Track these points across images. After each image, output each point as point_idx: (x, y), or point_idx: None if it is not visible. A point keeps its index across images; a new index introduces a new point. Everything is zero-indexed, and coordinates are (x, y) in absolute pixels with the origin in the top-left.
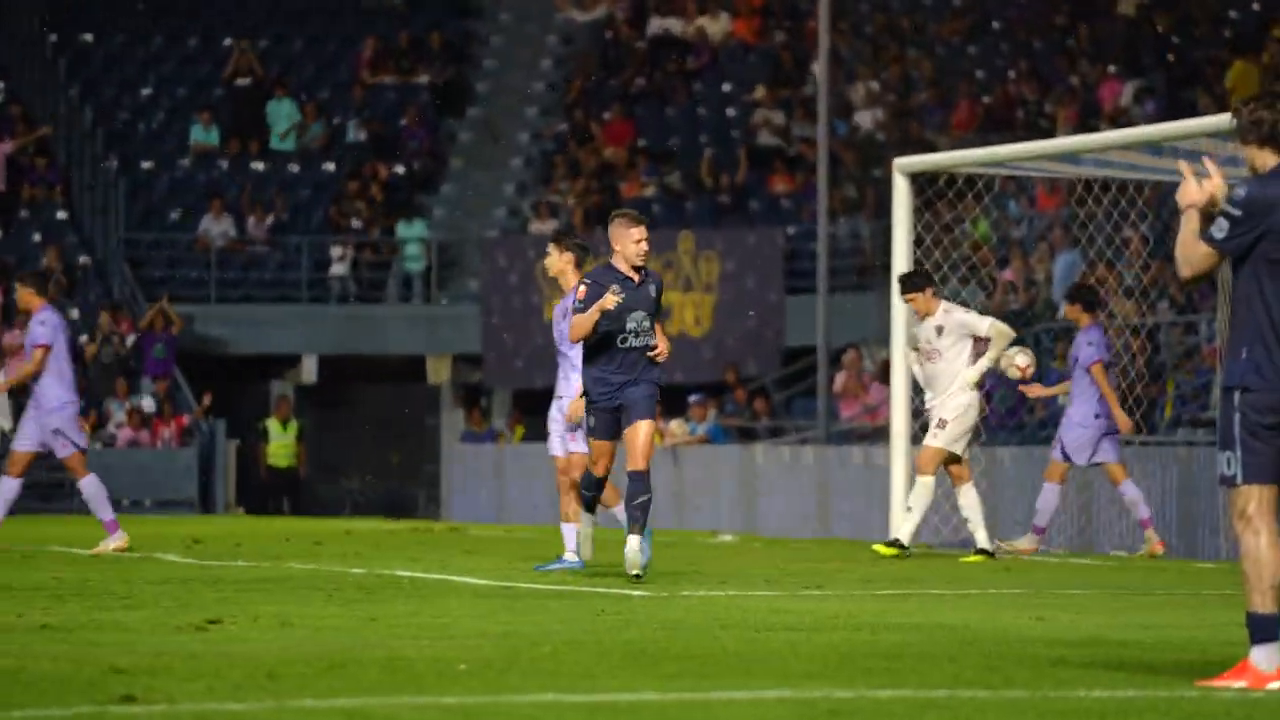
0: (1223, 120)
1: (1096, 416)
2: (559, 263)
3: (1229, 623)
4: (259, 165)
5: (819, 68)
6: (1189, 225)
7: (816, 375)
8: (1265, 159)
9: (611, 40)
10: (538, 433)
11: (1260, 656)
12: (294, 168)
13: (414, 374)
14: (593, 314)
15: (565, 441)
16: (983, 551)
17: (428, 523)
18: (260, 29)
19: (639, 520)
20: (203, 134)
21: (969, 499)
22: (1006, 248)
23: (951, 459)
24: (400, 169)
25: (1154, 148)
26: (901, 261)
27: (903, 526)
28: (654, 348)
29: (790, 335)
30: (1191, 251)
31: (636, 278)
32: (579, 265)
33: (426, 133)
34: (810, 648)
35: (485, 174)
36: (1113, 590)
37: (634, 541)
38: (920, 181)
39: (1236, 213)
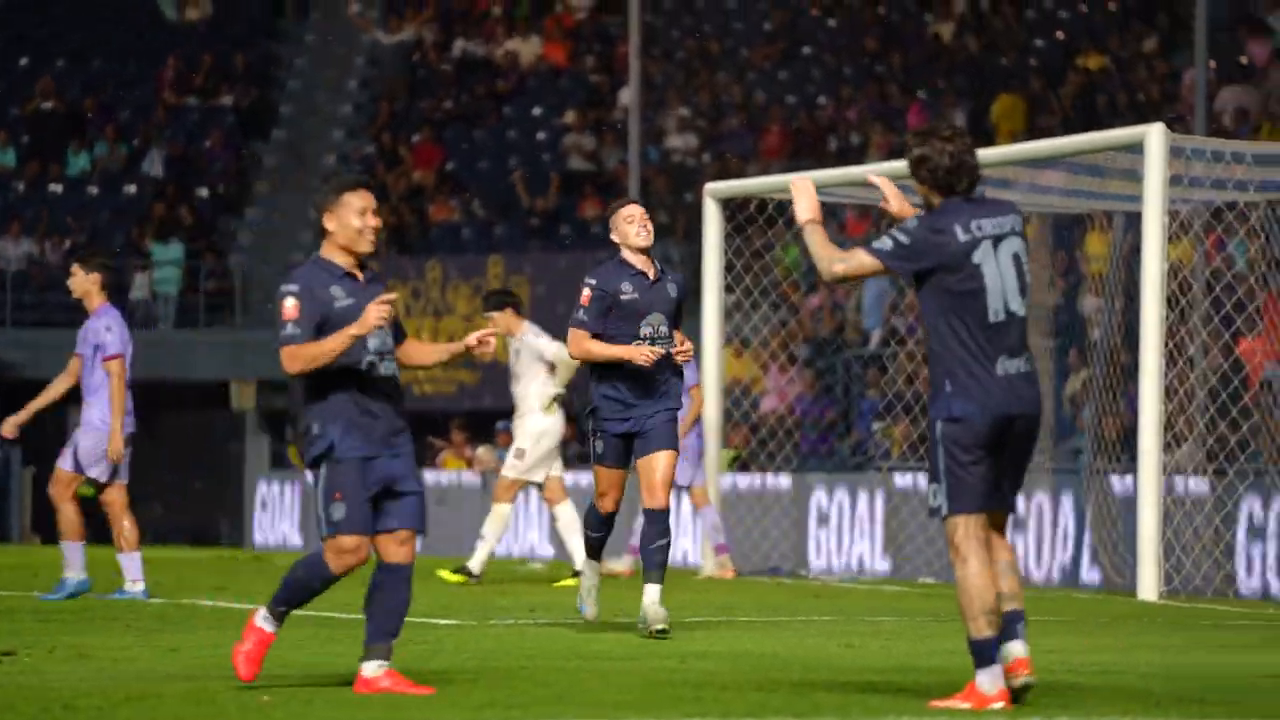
0: (1029, 147)
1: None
2: (84, 283)
3: (1032, 648)
4: (57, 188)
5: (630, 92)
6: (814, 237)
7: None
8: (932, 196)
9: (419, 63)
10: None
11: (984, 680)
12: (94, 190)
13: (218, 400)
14: (614, 353)
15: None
16: (578, 573)
17: (232, 551)
18: (58, 48)
19: (658, 567)
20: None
21: (565, 517)
22: (816, 274)
23: (545, 484)
24: (204, 192)
25: None
26: (712, 287)
27: (476, 554)
28: (674, 357)
29: None
30: (830, 253)
31: (651, 273)
32: (104, 286)
33: (231, 155)
34: (620, 676)
35: (291, 197)
36: (922, 618)
37: (653, 592)
38: (731, 207)
39: (904, 239)
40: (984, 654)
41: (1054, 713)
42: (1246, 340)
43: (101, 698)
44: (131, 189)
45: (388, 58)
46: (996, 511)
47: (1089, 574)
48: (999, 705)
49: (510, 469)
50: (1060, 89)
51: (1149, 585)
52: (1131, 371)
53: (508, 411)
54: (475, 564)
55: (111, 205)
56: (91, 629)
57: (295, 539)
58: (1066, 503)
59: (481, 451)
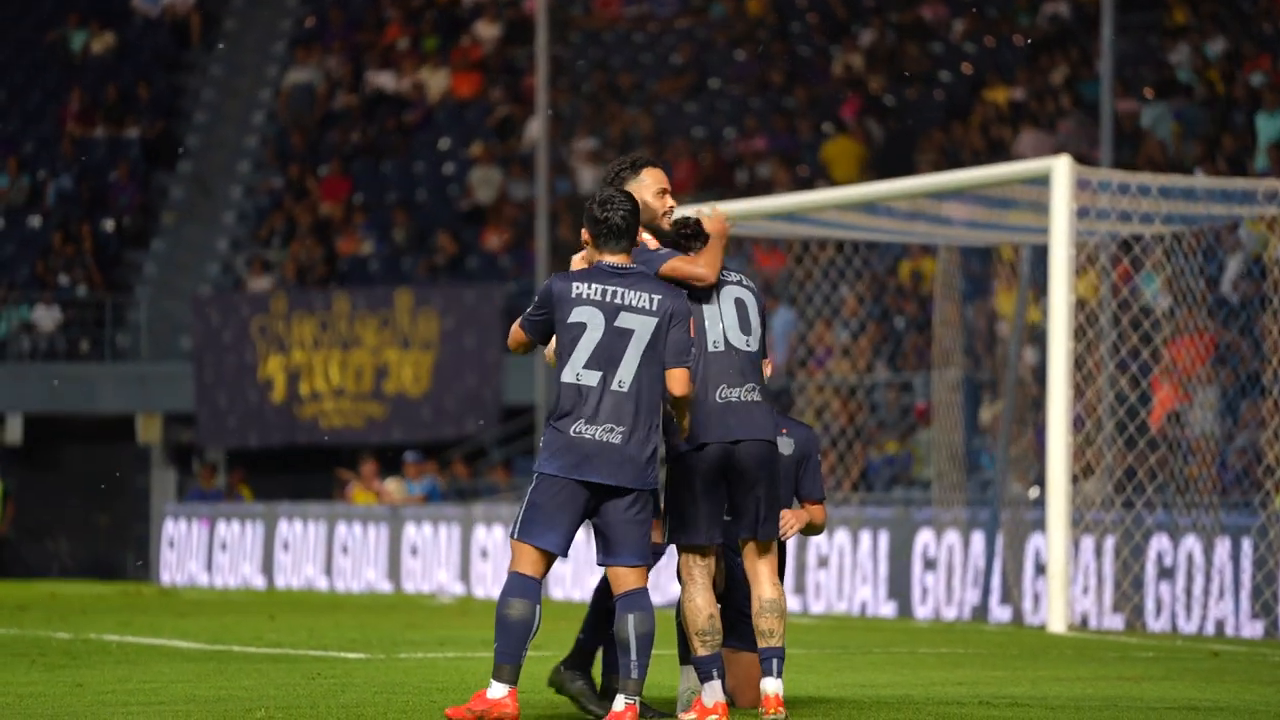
0: (936, 180)
1: None
2: None
3: (943, 680)
4: None
5: (537, 125)
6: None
7: (535, 433)
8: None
9: (327, 95)
10: (264, 492)
11: (706, 695)
12: None
13: (124, 434)
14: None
15: None
16: None
17: (137, 585)
18: None
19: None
20: None
21: None
22: None
23: None
24: (110, 224)
25: (869, 207)
26: None
27: None
28: None
29: (510, 393)
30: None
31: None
32: None
33: (137, 187)
34: (530, 710)
35: (197, 229)
36: (833, 650)
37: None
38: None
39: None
40: (702, 671)
41: None
42: (1158, 374)
43: None
44: (36, 221)
45: (296, 90)
46: (752, 541)
47: (999, 609)
48: (715, 717)
49: None
50: (967, 121)
51: (1058, 618)
52: (1041, 403)
53: (416, 445)
54: None
55: (16, 237)
56: None
57: (202, 574)
58: (976, 536)
59: (390, 484)
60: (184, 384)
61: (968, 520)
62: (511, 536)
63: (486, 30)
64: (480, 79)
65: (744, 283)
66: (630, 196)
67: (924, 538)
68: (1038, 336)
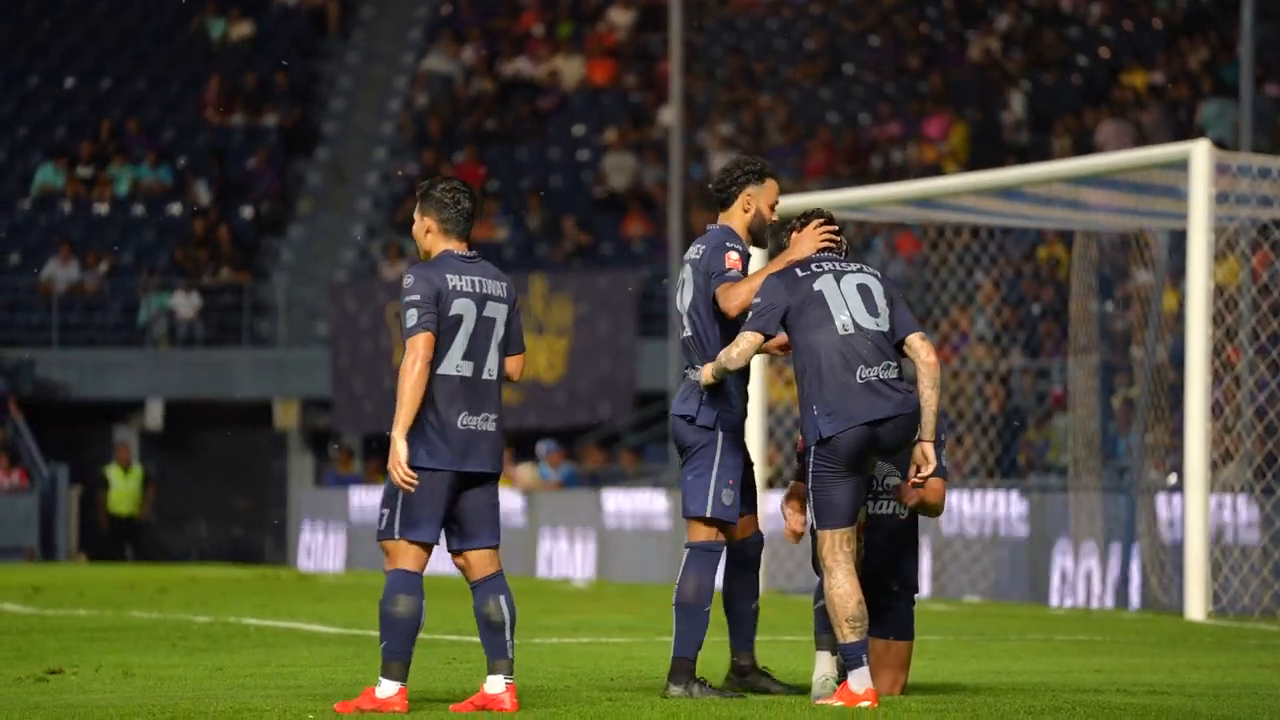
0: (1075, 165)
1: None
2: None
3: (1080, 668)
4: (102, 209)
5: (671, 111)
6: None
7: (668, 420)
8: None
9: (462, 82)
10: None
11: (853, 681)
12: (138, 210)
13: (261, 419)
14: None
15: None
16: None
17: (275, 569)
18: (103, 69)
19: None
20: (51, 175)
21: None
22: None
23: None
24: (249, 211)
25: (1006, 193)
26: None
27: None
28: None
29: (644, 379)
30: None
31: None
32: None
33: (274, 174)
34: (661, 699)
35: (334, 216)
36: (968, 636)
37: None
38: (773, 225)
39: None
40: (850, 657)
41: None
42: None
43: (146, 716)
44: (176, 209)
45: (432, 78)
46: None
47: (1137, 595)
48: (866, 704)
49: None
50: (1105, 106)
51: (1196, 605)
52: (1178, 389)
53: (550, 431)
54: None
55: (157, 225)
56: (136, 647)
57: (339, 559)
58: (1114, 523)
59: (523, 470)
60: (320, 370)
61: (1104, 505)
62: (390, 538)
63: (621, 17)
64: (614, 65)
65: (865, 270)
66: (469, 186)
67: (1060, 522)
68: (1175, 323)
